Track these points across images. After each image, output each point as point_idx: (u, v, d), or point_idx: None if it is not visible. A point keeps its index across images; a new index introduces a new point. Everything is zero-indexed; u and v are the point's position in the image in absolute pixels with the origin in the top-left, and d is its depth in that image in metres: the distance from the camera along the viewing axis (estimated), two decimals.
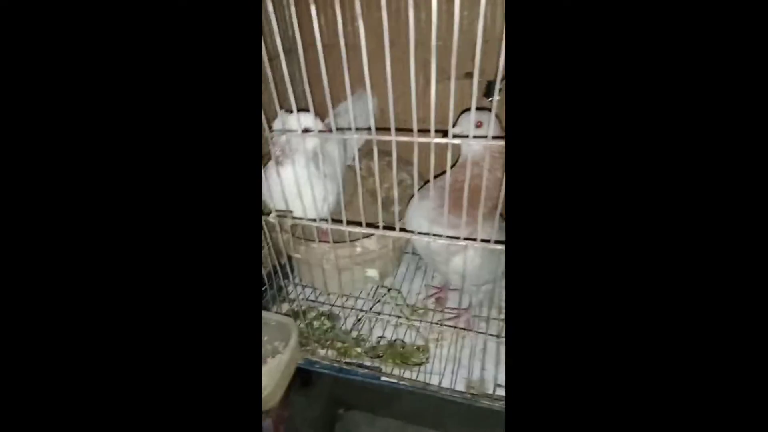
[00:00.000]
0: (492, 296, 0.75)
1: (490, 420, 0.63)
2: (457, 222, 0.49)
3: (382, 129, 0.46)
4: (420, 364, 0.70)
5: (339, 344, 0.74)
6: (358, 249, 0.69)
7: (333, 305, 0.78)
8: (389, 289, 0.82)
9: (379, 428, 0.68)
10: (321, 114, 0.52)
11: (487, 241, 0.45)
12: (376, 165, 0.45)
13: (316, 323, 0.76)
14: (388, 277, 0.87)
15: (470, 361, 0.69)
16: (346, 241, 0.70)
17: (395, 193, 0.49)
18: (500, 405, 0.62)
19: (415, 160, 0.43)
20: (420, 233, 0.52)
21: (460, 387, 0.66)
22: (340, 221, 0.53)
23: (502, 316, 0.78)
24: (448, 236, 0.48)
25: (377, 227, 0.49)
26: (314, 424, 0.72)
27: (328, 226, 0.54)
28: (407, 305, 0.82)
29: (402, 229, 0.51)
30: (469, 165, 0.45)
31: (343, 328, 0.78)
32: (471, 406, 0.65)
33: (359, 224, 0.50)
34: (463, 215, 0.47)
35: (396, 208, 0.49)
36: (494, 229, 0.45)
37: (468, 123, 0.55)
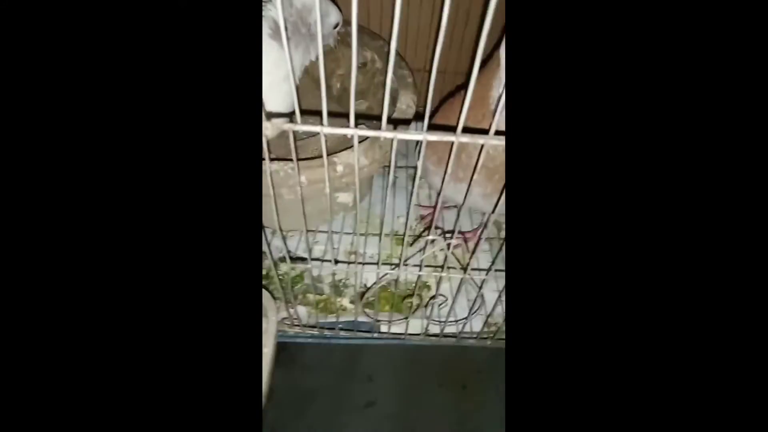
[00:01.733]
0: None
1: None
2: None
3: None
4: (421, 308, 0.56)
5: (314, 297, 0.56)
6: (339, 168, 0.46)
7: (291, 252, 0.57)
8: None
9: (382, 397, 0.53)
10: None
11: None
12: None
13: (283, 270, 0.54)
14: (363, 200, 0.66)
15: (486, 298, 0.56)
16: (316, 156, 0.46)
17: (351, 83, 0.24)
18: None
19: (395, 29, 0.20)
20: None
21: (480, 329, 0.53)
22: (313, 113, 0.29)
23: None
24: None
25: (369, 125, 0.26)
26: (299, 398, 0.57)
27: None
28: (395, 235, 0.64)
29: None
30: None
31: (317, 275, 0.59)
32: (497, 350, 0.53)
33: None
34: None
35: (352, 102, 0.24)
36: None
37: None
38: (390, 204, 0.67)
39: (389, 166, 0.74)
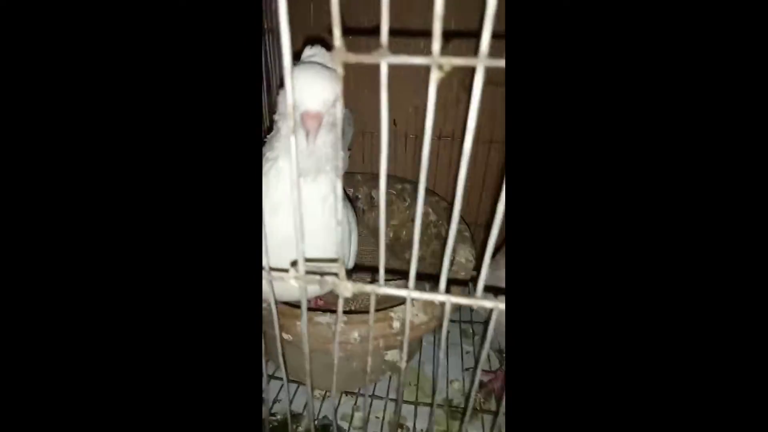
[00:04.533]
0: None
1: None
2: None
3: None
4: None
5: None
6: (396, 324, 0.41)
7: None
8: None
9: None
10: None
11: None
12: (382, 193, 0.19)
13: None
14: (412, 358, 0.59)
15: None
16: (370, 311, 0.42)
17: (416, 234, 0.21)
18: None
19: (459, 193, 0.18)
20: None
21: None
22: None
23: None
24: None
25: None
26: None
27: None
28: (450, 406, 0.54)
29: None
30: None
31: None
32: None
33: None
34: None
35: (414, 256, 0.21)
36: None
37: None
38: (443, 366, 0.59)
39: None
